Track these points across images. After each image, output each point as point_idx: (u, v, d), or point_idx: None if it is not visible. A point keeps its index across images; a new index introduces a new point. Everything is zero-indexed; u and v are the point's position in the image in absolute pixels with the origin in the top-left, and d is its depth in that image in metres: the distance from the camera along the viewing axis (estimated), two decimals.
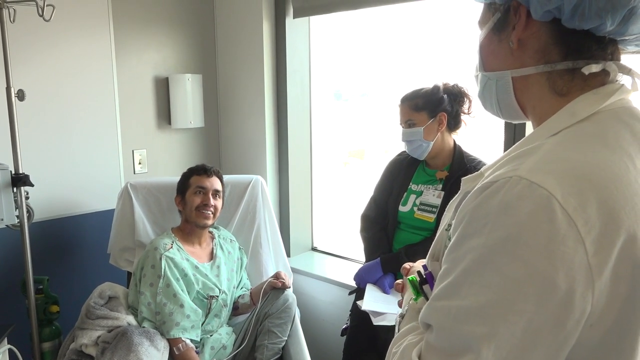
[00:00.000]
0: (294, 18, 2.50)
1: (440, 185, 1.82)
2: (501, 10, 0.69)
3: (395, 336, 0.72)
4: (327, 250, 2.80)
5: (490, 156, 1.89)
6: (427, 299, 0.72)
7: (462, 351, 0.55)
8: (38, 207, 2.01)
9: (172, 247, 1.95)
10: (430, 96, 1.79)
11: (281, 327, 1.95)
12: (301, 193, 2.74)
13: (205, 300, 1.95)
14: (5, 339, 1.76)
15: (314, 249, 2.85)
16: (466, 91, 1.82)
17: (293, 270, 2.44)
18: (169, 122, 2.57)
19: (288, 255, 2.56)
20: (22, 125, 1.84)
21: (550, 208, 0.53)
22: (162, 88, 2.54)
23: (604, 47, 0.65)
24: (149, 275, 1.89)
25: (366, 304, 1.73)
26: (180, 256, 1.96)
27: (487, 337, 0.54)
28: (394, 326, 0.79)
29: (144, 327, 1.84)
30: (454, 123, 1.83)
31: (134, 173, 2.47)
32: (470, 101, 1.83)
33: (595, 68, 0.63)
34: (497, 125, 1.94)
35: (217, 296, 1.98)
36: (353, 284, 1.99)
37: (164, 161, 2.60)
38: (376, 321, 1.68)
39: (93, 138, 2.29)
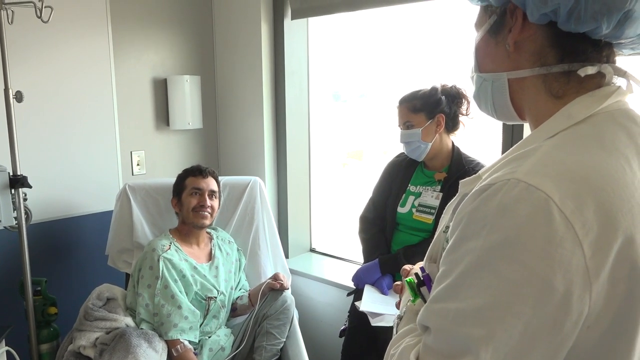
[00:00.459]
0: (292, 19, 2.50)
1: (439, 187, 1.82)
2: (497, 13, 0.69)
3: (393, 338, 0.73)
4: (326, 251, 2.80)
5: (488, 158, 1.89)
6: (424, 301, 0.72)
7: (460, 353, 0.55)
8: (36, 209, 2.01)
9: (170, 248, 1.95)
10: (428, 97, 1.79)
11: (280, 328, 1.95)
12: (299, 194, 2.74)
13: (204, 301, 1.95)
14: (3, 340, 1.76)
15: (313, 250, 2.85)
16: (464, 92, 1.83)
17: (291, 271, 2.44)
18: (167, 124, 2.57)
19: (286, 256, 2.56)
20: (20, 126, 1.84)
21: (547, 210, 0.53)
22: (161, 89, 2.54)
23: (600, 50, 0.65)
24: (146, 276, 1.89)
25: (364, 305, 1.73)
26: (179, 257, 1.95)
27: (485, 339, 0.54)
28: (392, 327, 0.79)
29: (142, 328, 1.84)
30: (452, 124, 1.83)
31: (132, 174, 2.47)
32: (468, 102, 1.83)
33: (591, 70, 0.63)
34: (495, 127, 1.94)
35: (215, 297, 1.98)
36: (351, 285, 1.99)
37: (162, 162, 2.59)
38: (374, 322, 1.68)
39: (91, 139, 2.29)
